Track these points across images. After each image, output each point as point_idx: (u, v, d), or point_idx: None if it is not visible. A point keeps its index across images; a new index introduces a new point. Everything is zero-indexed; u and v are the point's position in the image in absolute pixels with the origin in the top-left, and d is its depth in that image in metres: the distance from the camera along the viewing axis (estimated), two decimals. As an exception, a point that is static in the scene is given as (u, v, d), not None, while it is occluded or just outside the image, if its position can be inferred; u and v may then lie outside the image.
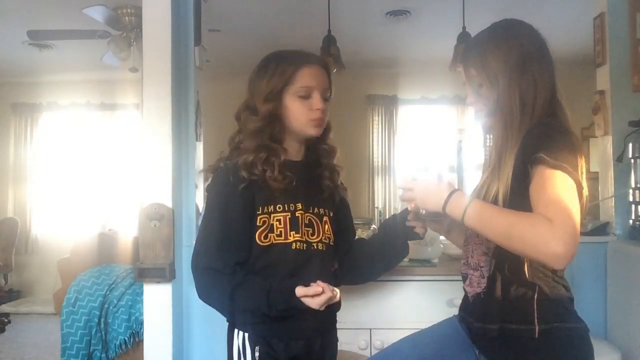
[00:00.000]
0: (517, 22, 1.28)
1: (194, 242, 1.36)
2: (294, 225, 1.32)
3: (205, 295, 1.31)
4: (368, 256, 1.49)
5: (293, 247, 1.31)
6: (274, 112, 1.32)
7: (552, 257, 1.02)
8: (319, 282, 1.21)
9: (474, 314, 1.29)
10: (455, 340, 1.35)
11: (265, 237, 1.30)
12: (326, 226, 1.39)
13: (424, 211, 1.32)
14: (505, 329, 1.20)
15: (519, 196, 1.14)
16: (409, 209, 1.37)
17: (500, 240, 1.11)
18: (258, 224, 1.29)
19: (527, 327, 1.18)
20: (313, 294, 1.19)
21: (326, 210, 1.40)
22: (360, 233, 2.56)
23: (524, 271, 1.18)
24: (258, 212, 1.30)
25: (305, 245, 1.33)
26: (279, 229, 1.30)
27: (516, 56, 1.21)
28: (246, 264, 1.30)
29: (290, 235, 1.31)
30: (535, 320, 1.17)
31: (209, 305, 1.33)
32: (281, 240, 1.31)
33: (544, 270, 1.19)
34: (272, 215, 1.30)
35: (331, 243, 1.40)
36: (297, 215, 1.33)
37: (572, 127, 1.21)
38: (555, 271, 1.20)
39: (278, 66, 1.34)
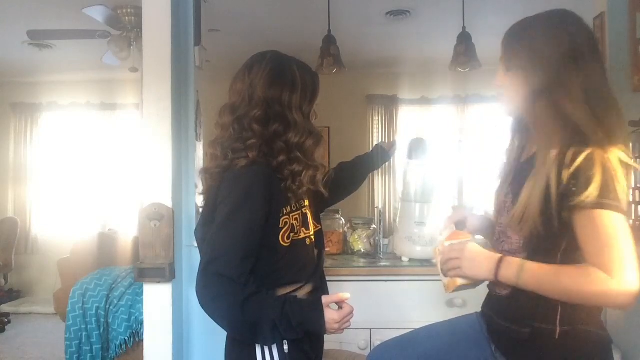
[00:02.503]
0: (571, 14, 1.21)
1: (209, 244, 1.26)
2: (305, 222, 1.36)
3: (211, 302, 1.22)
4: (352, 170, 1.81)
5: (307, 243, 1.36)
6: (309, 127, 1.35)
7: (622, 307, 1.07)
8: (347, 302, 1.26)
9: (499, 313, 1.28)
10: (470, 336, 1.37)
11: (288, 237, 1.30)
12: (310, 216, 1.42)
13: (462, 281, 1.26)
14: (537, 328, 1.19)
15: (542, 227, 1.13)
16: (449, 277, 1.28)
17: (562, 299, 1.13)
18: (280, 225, 1.28)
19: (548, 327, 1.17)
20: (347, 315, 1.25)
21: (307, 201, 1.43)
22: (361, 233, 2.56)
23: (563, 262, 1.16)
24: (281, 215, 1.29)
25: (312, 238, 1.38)
26: (297, 228, 1.32)
27: (568, 47, 1.16)
28: (265, 266, 1.27)
29: (302, 232, 1.34)
30: (557, 322, 1.17)
31: (210, 313, 1.23)
32: (298, 237, 1.33)
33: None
34: (291, 215, 1.31)
35: (318, 229, 1.46)
36: (304, 212, 1.36)
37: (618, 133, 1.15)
38: None
39: (311, 80, 1.38)
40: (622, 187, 1.08)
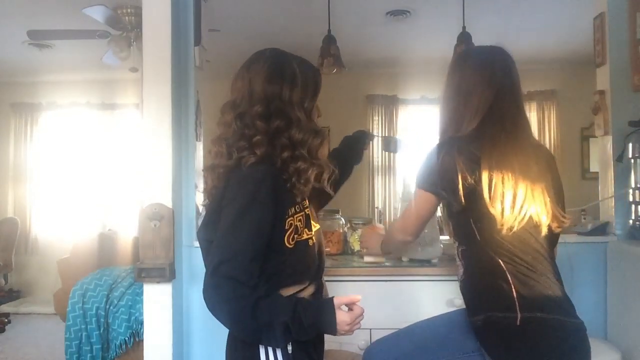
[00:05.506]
0: (471, 52, 1.62)
1: (217, 247, 1.22)
2: (307, 223, 1.34)
3: (220, 305, 1.20)
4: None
5: (310, 244, 1.34)
6: (312, 126, 1.34)
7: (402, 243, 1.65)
8: (358, 304, 1.28)
9: (465, 303, 1.40)
10: (462, 326, 1.41)
11: (292, 239, 1.28)
12: (312, 217, 1.40)
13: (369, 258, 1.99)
14: (491, 317, 1.27)
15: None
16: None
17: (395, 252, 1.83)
18: (286, 227, 1.27)
19: (510, 315, 1.24)
20: (358, 317, 1.27)
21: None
22: (361, 233, 2.56)
23: (485, 250, 1.30)
24: (286, 216, 1.27)
25: (314, 239, 1.36)
26: (300, 229, 1.30)
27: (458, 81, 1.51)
28: (269, 268, 1.25)
29: (305, 233, 1.32)
30: (518, 308, 1.24)
31: (219, 316, 1.21)
32: (301, 239, 1.31)
33: (509, 254, 1.28)
34: (295, 217, 1.29)
35: (317, 228, 1.44)
36: (307, 213, 1.35)
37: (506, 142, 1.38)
38: (523, 258, 1.29)
39: (312, 76, 1.37)
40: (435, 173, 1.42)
